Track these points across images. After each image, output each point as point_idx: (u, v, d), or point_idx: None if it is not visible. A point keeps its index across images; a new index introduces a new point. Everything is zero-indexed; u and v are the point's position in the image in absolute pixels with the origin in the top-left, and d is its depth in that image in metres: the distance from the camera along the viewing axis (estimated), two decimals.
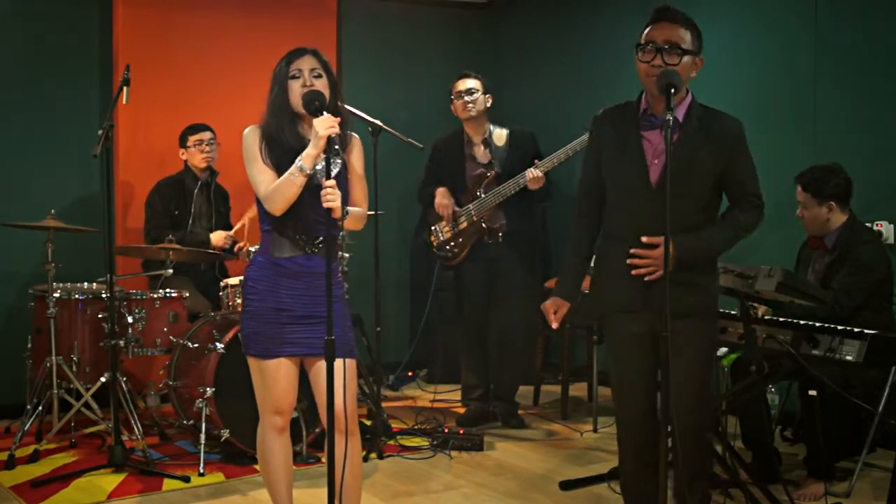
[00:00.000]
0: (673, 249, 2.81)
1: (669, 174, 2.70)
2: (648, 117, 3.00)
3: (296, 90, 2.95)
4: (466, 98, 4.98)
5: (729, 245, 3.03)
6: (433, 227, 5.11)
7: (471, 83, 5.01)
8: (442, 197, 5.00)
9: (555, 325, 3.17)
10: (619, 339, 3.08)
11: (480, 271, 5.05)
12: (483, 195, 4.93)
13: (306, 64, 2.97)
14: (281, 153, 2.95)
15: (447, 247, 5.06)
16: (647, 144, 2.98)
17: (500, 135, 5.05)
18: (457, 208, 5.00)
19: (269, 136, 2.98)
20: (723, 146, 2.95)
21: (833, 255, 4.03)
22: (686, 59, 2.90)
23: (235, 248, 5.19)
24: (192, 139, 5.19)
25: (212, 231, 5.25)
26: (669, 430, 2.86)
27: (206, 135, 5.20)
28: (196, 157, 5.19)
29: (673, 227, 2.78)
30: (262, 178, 2.96)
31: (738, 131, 2.99)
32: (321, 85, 2.96)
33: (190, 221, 5.18)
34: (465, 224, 4.99)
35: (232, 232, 5.22)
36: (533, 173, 4.76)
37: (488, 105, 5.04)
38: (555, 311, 3.15)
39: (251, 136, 3.00)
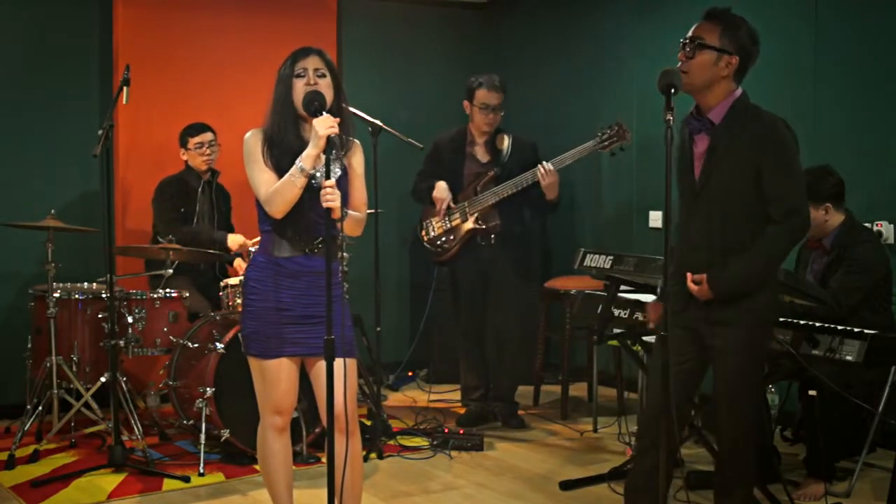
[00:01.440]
0: (708, 287, 2.90)
1: (670, 177, 2.70)
2: (691, 121, 2.99)
3: (299, 88, 2.94)
4: (491, 115, 4.96)
5: (765, 272, 2.95)
6: (424, 222, 5.12)
7: (499, 98, 4.95)
8: (440, 191, 5.00)
9: (651, 326, 3.36)
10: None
11: (474, 272, 5.05)
12: (479, 193, 4.93)
13: (311, 63, 2.96)
14: (282, 154, 2.95)
15: (438, 242, 5.06)
16: (695, 147, 2.98)
17: (502, 138, 5.05)
18: (452, 203, 5.00)
19: (271, 136, 2.98)
20: (754, 149, 2.88)
21: (831, 255, 4.03)
22: (705, 54, 2.88)
23: (245, 255, 5.17)
24: (192, 141, 5.17)
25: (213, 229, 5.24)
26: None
27: (207, 136, 5.18)
28: (197, 160, 5.17)
29: (720, 233, 2.84)
30: (263, 179, 2.96)
31: (774, 133, 2.89)
32: (325, 84, 2.95)
33: (194, 220, 5.17)
34: (457, 220, 4.99)
35: (252, 242, 5.18)
36: (545, 166, 4.72)
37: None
38: (653, 311, 3.30)
39: (252, 139, 3.00)
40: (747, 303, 2.94)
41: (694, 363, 3.07)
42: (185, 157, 5.21)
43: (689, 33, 2.95)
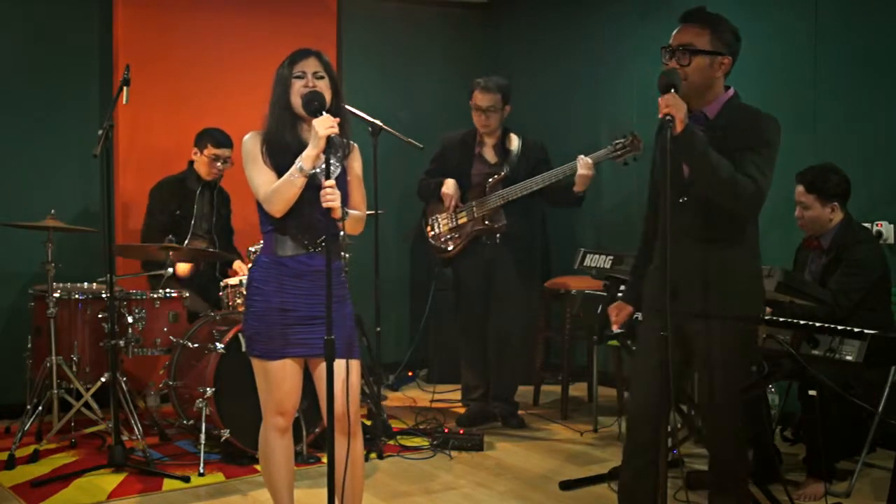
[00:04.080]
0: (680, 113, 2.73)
1: (669, 174, 2.70)
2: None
3: (297, 90, 2.95)
4: (483, 116, 4.96)
5: (721, 169, 2.81)
6: (431, 219, 5.11)
7: (490, 100, 4.93)
8: (449, 187, 4.99)
9: (615, 328, 3.31)
10: (642, 336, 3.12)
11: (476, 271, 5.05)
12: (489, 194, 4.93)
13: (310, 66, 2.97)
14: (281, 155, 2.96)
15: (443, 239, 5.07)
16: None
17: (512, 139, 5.05)
18: (459, 202, 5.00)
19: (270, 138, 2.99)
20: (742, 140, 2.90)
21: (829, 255, 4.04)
22: (700, 59, 2.90)
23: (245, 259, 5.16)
24: (211, 151, 5.07)
25: (210, 232, 5.22)
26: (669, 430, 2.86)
27: (226, 153, 5.09)
28: (205, 168, 5.11)
29: (705, 225, 2.79)
30: (262, 179, 2.96)
31: (763, 130, 2.91)
32: (323, 86, 2.96)
33: (192, 223, 5.16)
34: (464, 219, 5.00)
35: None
36: (584, 159, 4.68)
37: (505, 116, 5.02)
38: (616, 313, 3.27)
39: (251, 140, 3.01)
40: (729, 294, 2.92)
41: (676, 365, 3.02)
42: (194, 157, 5.15)
43: (676, 40, 2.94)
